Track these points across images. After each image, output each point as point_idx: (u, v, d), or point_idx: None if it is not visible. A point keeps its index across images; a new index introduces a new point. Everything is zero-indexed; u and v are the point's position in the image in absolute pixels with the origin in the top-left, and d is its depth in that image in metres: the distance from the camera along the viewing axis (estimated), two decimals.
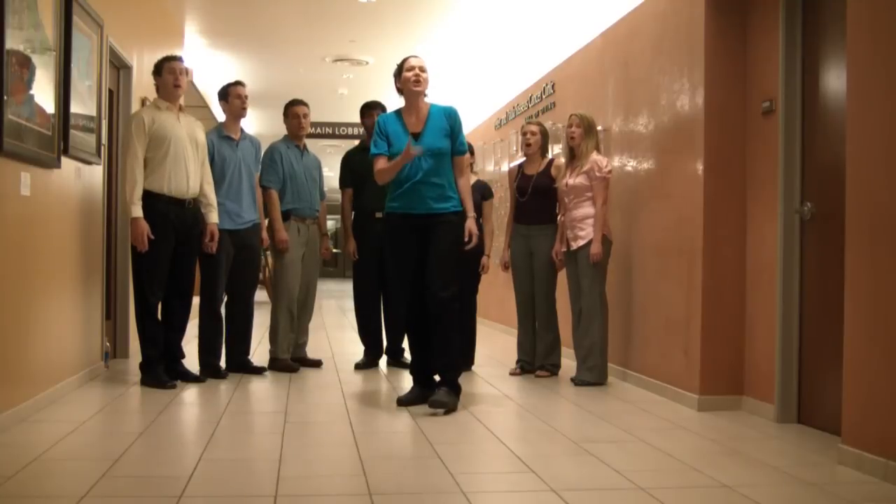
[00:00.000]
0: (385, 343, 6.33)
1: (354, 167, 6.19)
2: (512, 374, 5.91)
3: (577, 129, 5.64)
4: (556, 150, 7.15)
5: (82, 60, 4.90)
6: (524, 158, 6.05)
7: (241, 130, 5.80)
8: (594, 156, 5.53)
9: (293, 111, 6.04)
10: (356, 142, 7.21)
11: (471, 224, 4.70)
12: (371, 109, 6.23)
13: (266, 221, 5.93)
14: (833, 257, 3.88)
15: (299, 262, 5.94)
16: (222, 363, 5.64)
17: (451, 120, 4.66)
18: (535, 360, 5.94)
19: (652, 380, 5.32)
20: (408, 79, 4.64)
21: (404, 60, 4.72)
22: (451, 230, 4.60)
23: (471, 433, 4.10)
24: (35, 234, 4.27)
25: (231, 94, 5.73)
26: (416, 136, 4.59)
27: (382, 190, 4.88)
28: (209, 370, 5.47)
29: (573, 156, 5.65)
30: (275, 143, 6.03)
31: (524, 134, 5.95)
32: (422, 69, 4.67)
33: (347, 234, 6.21)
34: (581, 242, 5.50)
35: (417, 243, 4.59)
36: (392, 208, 4.67)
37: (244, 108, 5.76)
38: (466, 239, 4.65)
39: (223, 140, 5.65)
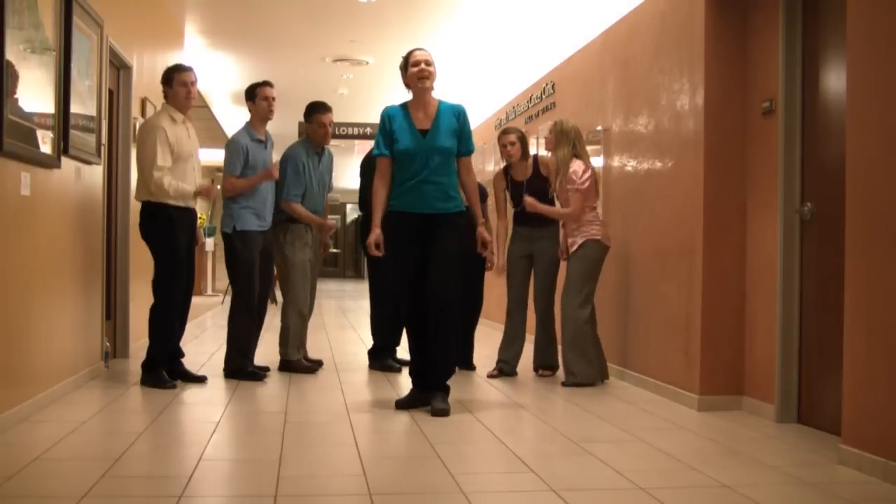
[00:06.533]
0: (373, 343, 6.24)
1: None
2: (490, 376, 5.77)
3: (549, 134, 5.65)
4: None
5: (82, 60, 4.90)
6: (506, 164, 5.99)
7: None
8: (574, 164, 5.48)
9: (319, 119, 5.87)
10: (356, 141, 7.19)
11: (482, 231, 4.71)
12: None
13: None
14: (833, 257, 3.88)
15: (307, 264, 5.91)
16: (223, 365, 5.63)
17: (460, 120, 4.60)
18: (534, 360, 5.93)
19: (652, 379, 5.32)
20: (413, 74, 4.55)
21: (409, 54, 4.62)
22: (455, 231, 4.54)
23: (471, 433, 4.10)
24: (35, 234, 4.27)
25: (258, 96, 5.60)
26: (425, 134, 4.53)
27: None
28: (243, 375, 5.44)
29: (556, 164, 5.61)
30: (297, 149, 5.87)
31: (503, 145, 5.82)
32: (427, 62, 4.56)
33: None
34: (574, 248, 5.52)
35: (419, 243, 4.52)
36: (394, 206, 4.56)
37: (271, 111, 5.62)
38: (480, 248, 4.71)
39: (255, 144, 5.56)
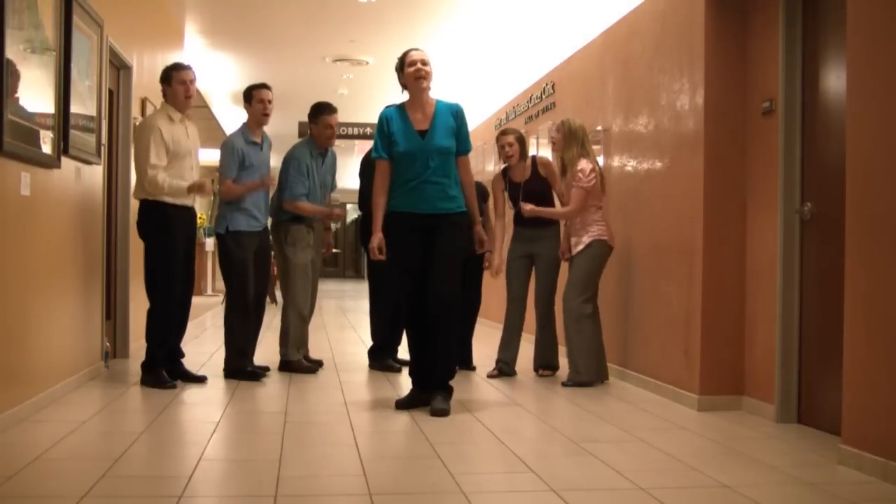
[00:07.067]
0: (372, 343, 6.23)
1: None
2: (490, 376, 5.78)
3: (556, 133, 5.63)
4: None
5: (82, 60, 4.90)
6: (505, 165, 5.99)
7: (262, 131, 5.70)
8: (581, 163, 5.47)
9: (326, 121, 5.79)
10: (356, 141, 7.19)
11: (479, 230, 4.75)
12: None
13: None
14: (833, 257, 3.88)
15: (309, 265, 5.90)
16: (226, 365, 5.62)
17: (458, 119, 4.59)
18: (534, 360, 5.93)
19: (652, 379, 5.32)
20: (410, 74, 4.54)
21: (405, 54, 4.61)
22: (457, 231, 4.55)
23: (471, 433, 4.10)
24: (35, 234, 4.27)
25: (255, 98, 5.54)
26: (424, 134, 4.52)
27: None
28: (242, 374, 5.44)
29: (563, 164, 5.61)
30: (300, 150, 5.81)
31: (502, 147, 5.81)
32: (424, 62, 4.55)
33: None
34: (580, 247, 5.50)
35: (420, 243, 4.51)
36: (395, 207, 4.55)
37: (266, 114, 5.55)
38: (478, 247, 4.75)
39: (251, 146, 5.51)
